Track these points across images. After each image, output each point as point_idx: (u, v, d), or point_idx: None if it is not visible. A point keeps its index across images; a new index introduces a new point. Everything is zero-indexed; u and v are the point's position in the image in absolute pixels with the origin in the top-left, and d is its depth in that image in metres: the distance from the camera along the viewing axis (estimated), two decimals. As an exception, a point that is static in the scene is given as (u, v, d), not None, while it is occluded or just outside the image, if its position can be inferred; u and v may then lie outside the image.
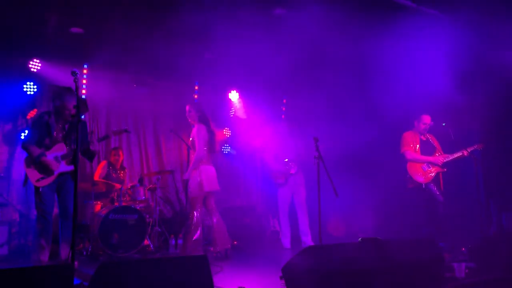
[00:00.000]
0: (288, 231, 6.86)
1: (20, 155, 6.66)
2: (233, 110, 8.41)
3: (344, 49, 6.17)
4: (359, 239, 3.78)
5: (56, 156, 4.78)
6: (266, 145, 7.16)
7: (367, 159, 7.43)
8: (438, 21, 5.67)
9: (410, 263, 3.69)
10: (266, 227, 7.72)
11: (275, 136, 7.11)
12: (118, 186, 6.37)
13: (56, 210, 4.98)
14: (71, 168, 4.83)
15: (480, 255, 4.67)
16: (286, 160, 6.85)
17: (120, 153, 7.05)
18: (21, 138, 6.59)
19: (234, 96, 8.26)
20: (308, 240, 6.71)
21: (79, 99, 3.70)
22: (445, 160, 5.91)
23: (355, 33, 5.85)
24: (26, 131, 6.60)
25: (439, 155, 5.98)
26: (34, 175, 4.71)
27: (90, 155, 5.02)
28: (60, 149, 4.82)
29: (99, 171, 6.81)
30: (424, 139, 6.09)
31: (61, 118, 4.84)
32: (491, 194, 6.53)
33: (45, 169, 4.72)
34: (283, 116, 8.74)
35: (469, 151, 5.79)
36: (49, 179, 4.74)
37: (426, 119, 6.02)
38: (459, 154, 5.88)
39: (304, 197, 6.85)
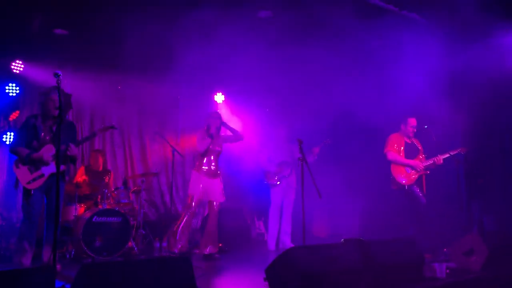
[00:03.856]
0: (275, 233, 6.90)
1: (2, 156, 6.58)
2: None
3: (332, 50, 6.22)
4: (342, 240, 3.83)
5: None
6: (260, 147, 7.21)
7: (352, 160, 7.49)
8: (419, 25, 5.76)
9: (391, 263, 3.75)
10: (251, 229, 7.73)
11: (269, 138, 7.16)
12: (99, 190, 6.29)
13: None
14: (61, 168, 4.78)
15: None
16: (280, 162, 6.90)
17: (99, 156, 6.88)
18: (3, 140, 6.51)
19: (219, 98, 8.26)
20: (287, 240, 6.81)
21: (60, 99, 3.69)
22: (425, 165, 5.98)
23: (338, 35, 5.90)
24: (9, 133, 6.53)
25: (422, 157, 6.06)
26: (25, 177, 4.65)
27: (71, 159, 4.94)
28: (49, 150, 4.77)
29: (78, 177, 6.72)
30: (410, 142, 6.16)
31: (48, 117, 4.79)
32: (473, 196, 6.63)
33: (38, 164, 4.67)
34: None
35: (446, 156, 5.89)
36: (40, 181, 4.69)
37: (413, 122, 6.06)
38: (432, 160, 5.93)
39: (293, 199, 6.92)
